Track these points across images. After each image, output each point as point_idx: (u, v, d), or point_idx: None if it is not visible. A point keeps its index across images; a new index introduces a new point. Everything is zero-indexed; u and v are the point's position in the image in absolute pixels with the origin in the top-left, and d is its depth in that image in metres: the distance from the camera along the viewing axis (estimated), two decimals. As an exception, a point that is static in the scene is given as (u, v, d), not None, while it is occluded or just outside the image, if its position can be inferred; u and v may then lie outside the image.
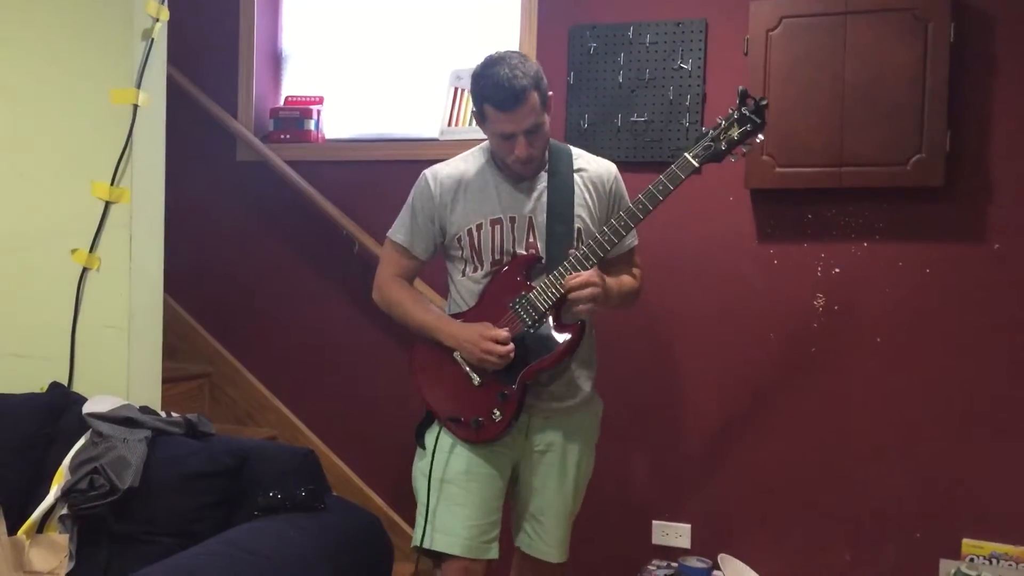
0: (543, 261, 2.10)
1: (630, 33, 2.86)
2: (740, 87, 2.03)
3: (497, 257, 2.12)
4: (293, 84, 3.51)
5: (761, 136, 2.03)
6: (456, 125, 3.14)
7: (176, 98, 2.79)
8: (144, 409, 2.31)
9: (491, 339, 2.03)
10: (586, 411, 2.23)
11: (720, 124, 2.02)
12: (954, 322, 2.60)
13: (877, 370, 2.67)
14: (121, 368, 2.45)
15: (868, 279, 2.68)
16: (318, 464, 2.22)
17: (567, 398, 2.17)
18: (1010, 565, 2.51)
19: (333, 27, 3.43)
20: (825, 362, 2.72)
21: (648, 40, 2.84)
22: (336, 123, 3.41)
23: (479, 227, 2.12)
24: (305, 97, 3.39)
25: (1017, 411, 2.55)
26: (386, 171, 3.14)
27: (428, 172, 2.20)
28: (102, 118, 2.47)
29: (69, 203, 2.49)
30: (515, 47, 2.99)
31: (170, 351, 2.93)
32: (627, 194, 2.23)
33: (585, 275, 2.01)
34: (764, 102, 2.01)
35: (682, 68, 2.81)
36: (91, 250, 2.47)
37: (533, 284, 2.08)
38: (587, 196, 2.16)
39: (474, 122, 2.15)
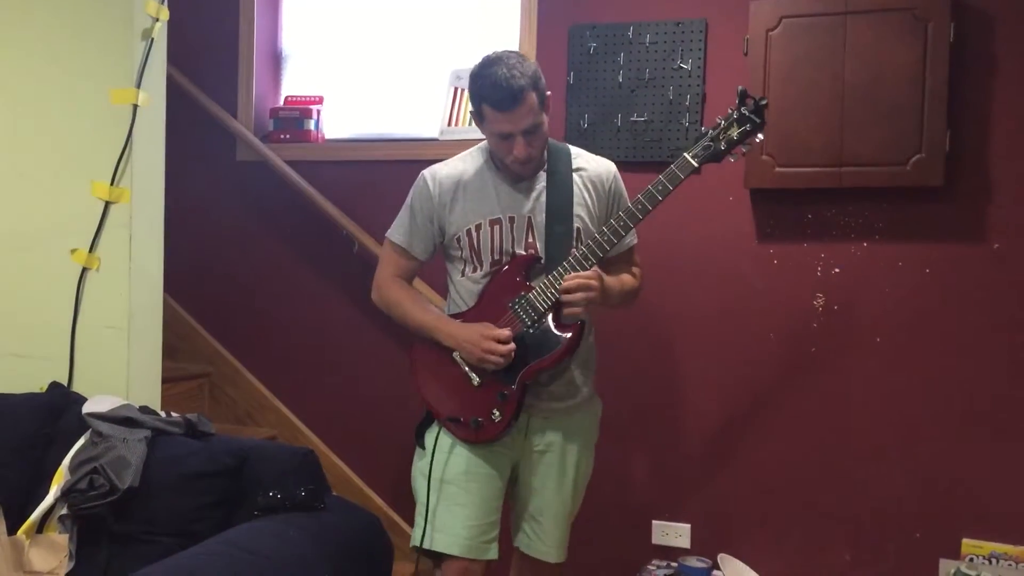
0: (542, 261, 2.10)
1: (630, 33, 2.86)
2: (740, 87, 2.03)
3: (496, 257, 2.12)
4: (293, 84, 3.51)
5: (761, 136, 2.03)
6: (456, 125, 3.14)
7: (176, 98, 2.79)
8: (144, 409, 2.31)
9: (492, 339, 2.03)
10: (585, 411, 2.23)
11: (719, 124, 2.02)
12: (954, 322, 2.60)
13: (877, 370, 2.67)
14: (121, 368, 2.45)
15: (868, 279, 2.68)
16: (318, 464, 2.22)
17: (567, 398, 2.17)
18: (1010, 565, 2.51)
19: (333, 27, 3.43)
20: (825, 362, 2.72)
21: (648, 40, 2.84)
22: (336, 123, 3.41)
23: (478, 227, 2.12)
24: (305, 97, 3.39)
25: (1017, 411, 2.55)
26: (386, 171, 3.14)
27: (427, 172, 2.20)
28: (102, 118, 2.47)
29: (69, 203, 2.49)
30: (515, 47, 2.98)
31: (170, 351, 2.93)
32: (626, 193, 2.23)
33: (580, 277, 2.00)
34: (764, 102, 2.01)
35: (682, 68, 2.81)
36: (91, 250, 2.47)
37: (532, 284, 2.08)
38: (586, 196, 2.16)
39: (474, 122, 2.15)
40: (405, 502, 2.21)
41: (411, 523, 2.19)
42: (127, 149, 2.45)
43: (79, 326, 2.48)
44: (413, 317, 2.17)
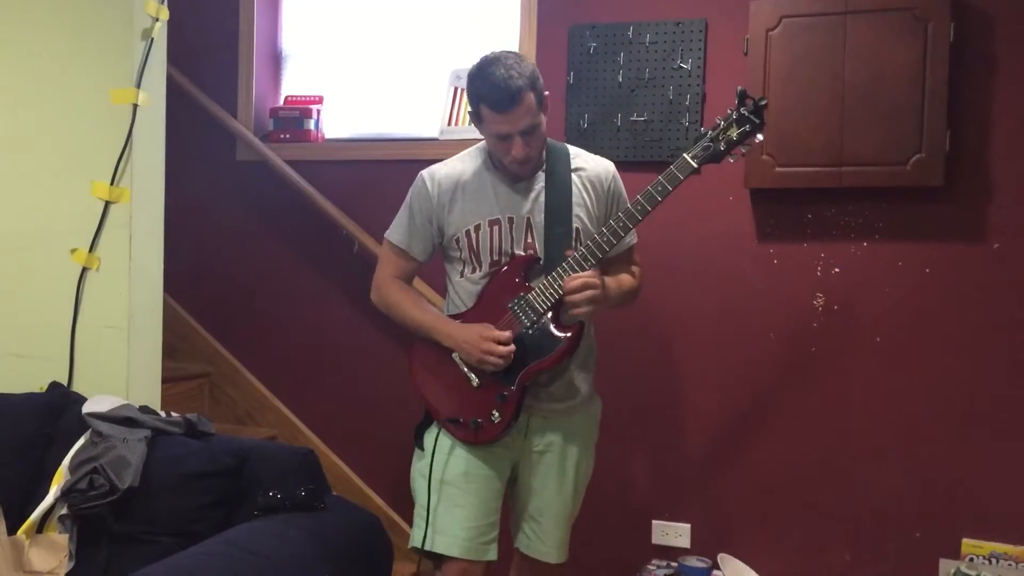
0: (541, 262, 2.10)
1: (630, 33, 2.86)
2: (739, 87, 2.02)
3: (495, 258, 2.12)
4: (293, 84, 3.51)
5: (760, 136, 2.02)
6: (456, 125, 3.13)
7: (176, 98, 2.79)
8: (144, 409, 2.31)
9: (492, 340, 2.03)
10: (585, 412, 2.23)
11: (719, 125, 2.01)
12: (954, 322, 2.60)
13: (877, 370, 2.67)
14: (121, 368, 2.45)
15: (868, 279, 2.68)
16: (318, 464, 2.22)
17: (566, 399, 2.16)
18: (1010, 565, 2.51)
19: (333, 27, 3.43)
20: (825, 362, 2.72)
21: (648, 40, 2.84)
22: (336, 123, 3.41)
23: (477, 228, 2.12)
24: (305, 97, 3.39)
25: (1017, 411, 2.55)
26: (386, 171, 3.14)
27: (425, 173, 2.19)
28: (102, 118, 2.47)
29: (69, 203, 2.49)
30: (515, 47, 2.99)
31: (170, 351, 2.93)
32: (626, 193, 2.23)
33: (584, 277, 2.00)
34: (763, 102, 2.00)
35: (682, 68, 2.81)
36: (91, 250, 2.47)
37: (532, 285, 2.07)
38: (585, 196, 2.15)
39: (472, 122, 2.14)
40: (405, 502, 2.21)
41: (411, 523, 2.19)
42: (127, 149, 2.45)
43: (79, 326, 2.48)
44: (412, 318, 2.17)
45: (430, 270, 2.36)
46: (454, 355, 2.10)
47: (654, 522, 2.88)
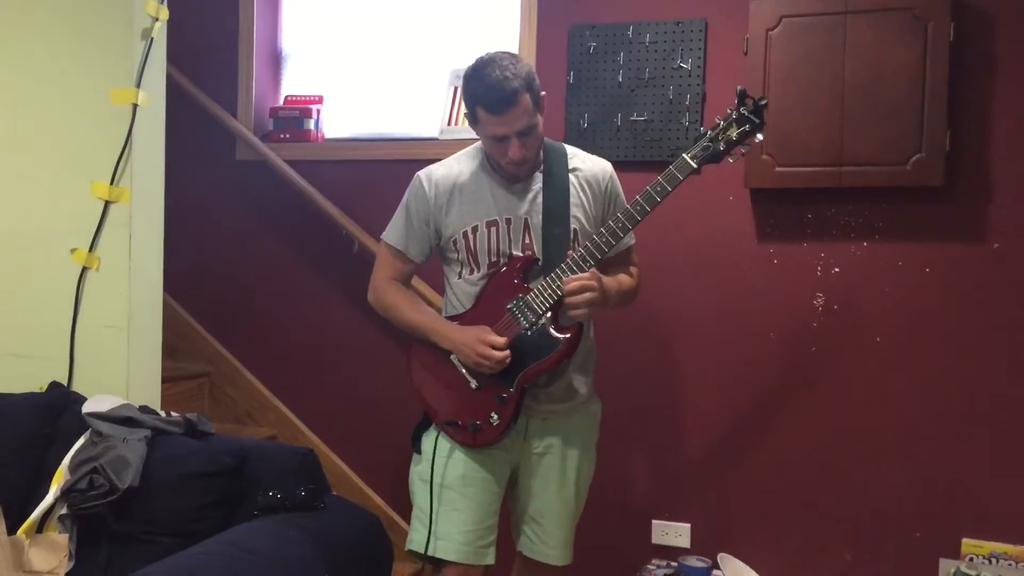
0: (540, 263, 2.09)
1: (630, 32, 2.86)
2: (739, 87, 2.02)
3: (494, 259, 2.11)
4: (293, 83, 3.51)
5: (760, 136, 2.02)
6: (456, 124, 3.13)
7: (176, 98, 2.79)
8: (144, 408, 2.31)
9: (488, 344, 2.02)
10: (584, 412, 2.22)
11: (719, 124, 2.01)
12: (954, 322, 2.60)
13: (877, 370, 2.67)
14: (121, 368, 2.45)
15: (868, 279, 2.68)
16: (318, 464, 2.22)
17: (565, 400, 2.16)
18: (1009, 564, 2.51)
19: (333, 26, 3.43)
20: (825, 362, 2.72)
21: (648, 39, 2.84)
22: (336, 122, 3.41)
23: (475, 229, 2.11)
24: (305, 96, 3.39)
25: (1017, 411, 2.55)
26: (386, 170, 3.13)
27: (422, 174, 2.19)
28: (102, 118, 2.47)
29: (69, 203, 2.49)
30: (515, 47, 2.99)
31: (170, 351, 2.93)
32: (623, 192, 2.22)
33: (581, 279, 1.99)
34: (763, 102, 2.00)
35: (682, 67, 2.81)
36: (91, 250, 2.47)
37: (530, 286, 2.07)
38: (582, 196, 2.15)
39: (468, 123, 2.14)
40: (405, 502, 2.21)
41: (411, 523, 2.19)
42: (127, 149, 2.45)
43: (79, 326, 2.48)
44: (410, 319, 2.17)
45: (430, 270, 2.36)
46: (452, 357, 2.09)
47: (654, 522, 2.88)
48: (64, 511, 2.06)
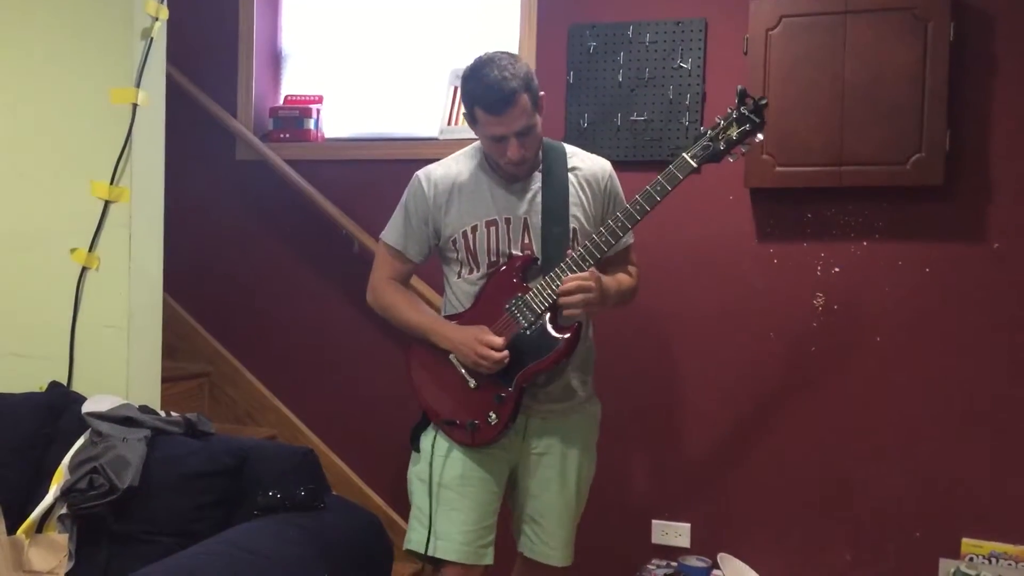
0: (539, 262, 2.09)
1: (630, 32, 2.86)
2: (739, 86, 2.02)
3: (493, 259, 2.11)
4: (293, 83, 3.51)
5: (760, 136, 2.02)
6: (455, 124, 3.13)
7: (176, 97, 2.79)
8: (143, 408, 2.30)
9: (486, 344, 2.02)
10: (584, 412, 2.22)
11: (719, 124, 2.01)
12: (954, 322, 2.60)
13: (877, 370, 2.67)
14: (120, 367, 2.45)
15: (868, 278, 2.68)
16: (318, 463, 2.22)
17: (565, 399, 2.16)
18: (1009, 564, 2.51)
19: (332, 26, 3.43)
20: (825, 361, 2.72)
21: (648, 39, 2.84)
22: (336, 122, 3.40)
23: (474, 229, 2.11)
24: (305, 96, 3.39)
25: (1017, 411, 2.55)
26: (386, 170, 3.13)
27: (421, 173, 2.18)
28: (102, 118, 2.47)
29: (69, 203, 2.49)
30: (515, 46, 2.99)
31: (170, 350, 2.93)
32: (623, 191, 2.22)
33: (578, 279, 1.99)
34: (763, 101, 2.00)
35: (682, 67, 2.81)
36: (90, 249, 2.47)
37: (529, 285, 2.06)
38: (582, 195, 2.15)
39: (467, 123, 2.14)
40: (405, 502, 2.21)
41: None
42: (127, 149, 2.45)
43: (79, 325, 2.48)
44: (408, 319, 2.17)
45: (430, 269, 2.36)
46: (451, 356, 2.09)
47: (654, 522, 2.88)
48: (64, 511, 2.06)
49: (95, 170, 2.46)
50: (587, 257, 2.01)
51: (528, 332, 2.05)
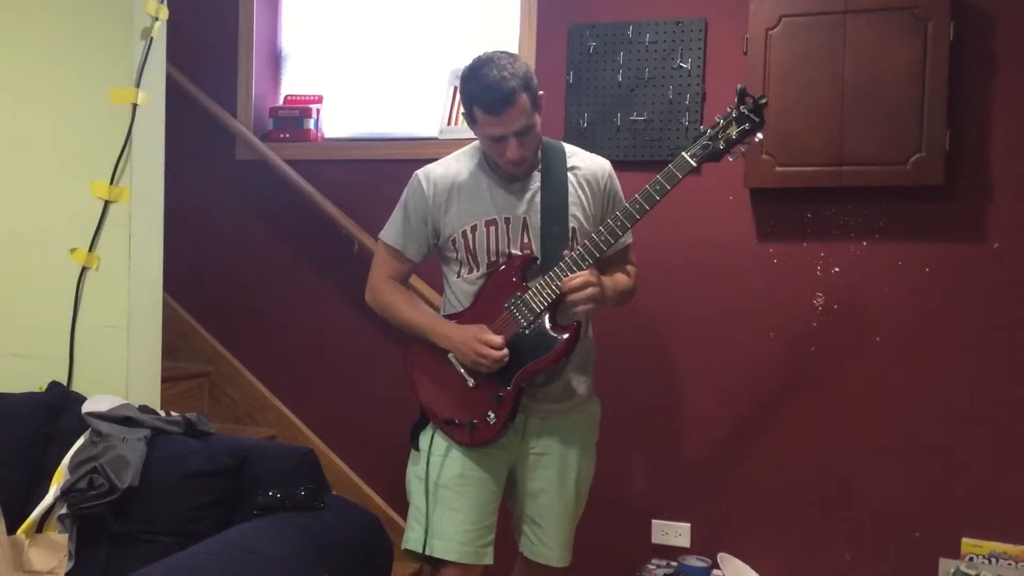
0: (538, 262, 2.09)
1: (630, 32, 2.86)
2: (739, 85, 2.01)
3: (493, 259, 2.11)
4: (292, 83, 3.51)
5: (760, 135, 2.02)
6: (455, 124, 3.13)
7: (175, 97, 2.79)
8: (143, 408, 2.30)
9: (485, 343, 2.02)
10: (583, 412, 2.22)
11: (718, 123, 2.00)
12: (954, 321, 2.60)
13: (877, 370, 2.67)
14: (120, 367, 2.45)
15: (868, 278, 2.68)
16: (318, 463, 2.22)
17: (564, 399, 2.15)
18: (1009, 564, 2.51)
19: (332, 26, 3.43)
20: (825, 361, 2.72)
21: (648, 39, 2.84)
22: (335, 122, 3.41)
23: (473, 228, 2.11)
24: (304, 96, 3.39)
25: (1017, 411, 2.55)
26: (385, 170, 3.13)
27: (420, 173, 2.18)
28: (102, 117, 2.47)
29: (69, 202, 2.49)
30: (515, 46, 2.99)
31: (169, 350, 2.93)
32: (622, 191, 2.22)
33: (583, 276, 1.99)
34: (763, 100, 2.00)
35: (681, 67, 2.81)
36: (90, 249, 2.47)
37: (528, 285, 2.06)
38: (581, 195, 2.14)
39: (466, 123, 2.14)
40: (404, 501, 2.21)
41: (410, 523, 2.18)
42: (127, 148, 2.45)
43: (79, 325, 2.48)
44: (407, 319, 2.16)
45: (429, 269, 2.36)
46: (450, 356, 2.09)
47: (654, 522, 2.88)
48: (64, 511, 2.06)
49: (95, 170, 2.46)
50: (586, 256, 2.01)
51: (527, 332, 2.05)
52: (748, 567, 2.74)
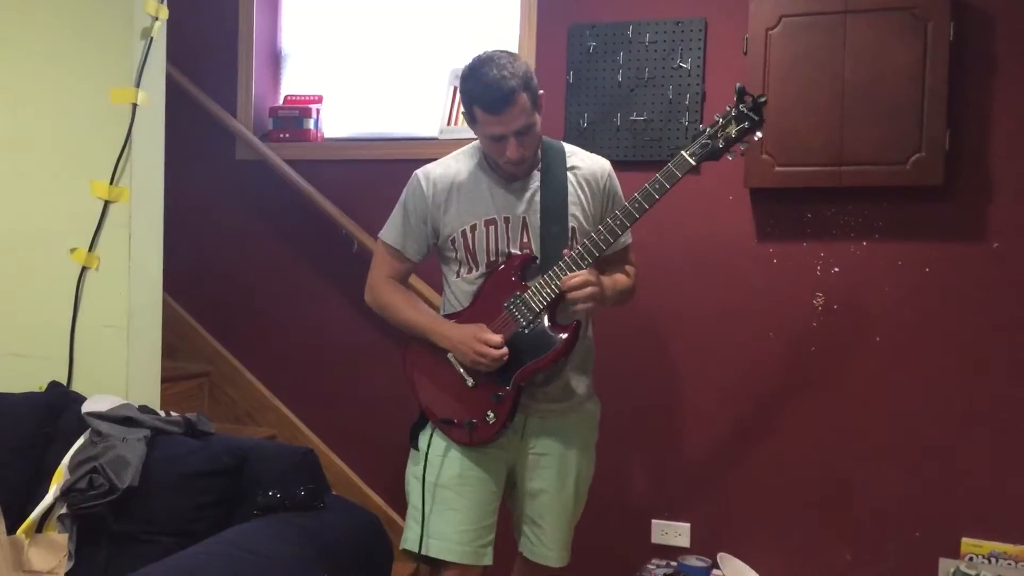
0: (538, 261, 2.09)
1: (629, 32, 2.86)
2: (738, 84, 2.01)
3: (492, 258, 2.11)
4: (292, 83, 3.51)
5: (760, 133, 2.02)
6: (455, 124, 3.13)
7: (175, 97, 2.79)
8: (143, 408, 2.30)
9: (485, 342, 2.01)
10: (582, 412, 2.22)
11: (718, 122, 2.00)
12: (954, 321, 2.60)
13: (877, 370, 2.67)
14: (120, 367, 2.45)
15: (868, 278, 2.68)
16: (317, 463, 2.22)
17: (563, 399, 2.15)
18: (1009, 564, 2.51)
19: (332, 26, 3.43)
20: (825, 361, 2.72)
21: (647, 39, 2.84)
22: (335, 122, 3.41)
23: (473, 228, 2.11)
24: (304, 96, 3.39)
25: (1017, 411, 2.55)
26: (385, 170, 3.13)
27: (420, 172, 2.18)
28: (101, 117, 2.47)
29: (68, 202, 2.49)
30: (514, 46, 2.99)
31: (169, 350, 2.93)
32: (622, 191, 2.22)
33: (583, 275, 1.99)
34: (762, 99, 1.99)
35: (681, 67, 2.81)
36: (90, 249, 2.47)
37: (528, 284, 2.06)
38: (580, 194, 2.14)
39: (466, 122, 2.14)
40: (404, 501, 2.21)
41: (409, 523, 2.18)
42: (126, 148, 2.45)
43: (78, 325, 2.48)
44: (407, 318, 2.16)
45: (429, 268, 2.36)
46: (449, 355, 2.09)
47: (654, 521, 2.88)
48: (64, 511, 2.06)
49: (95, 170, 2.46)
50: (585, 255, 2.00)
51: (527, 331, 2.04)
52: (748, 567, 2.74)
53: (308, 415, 3.33)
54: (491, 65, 1.99)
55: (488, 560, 2.12)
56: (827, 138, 2.58)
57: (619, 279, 2.20)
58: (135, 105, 2.45)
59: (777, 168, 2.64)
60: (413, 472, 2.15)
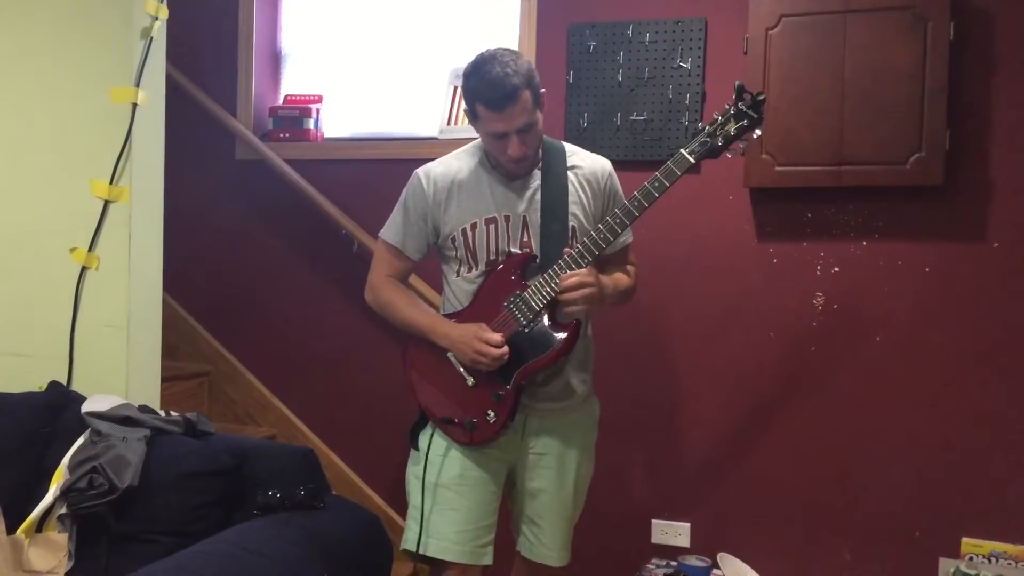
0: (538, 260, 2.09)
1: (629, 31, 2.86)
2: (737, 82, 2.01)
3: (492, 257, 2.11)
4: (292, 83, 3.51)
5: (759, 131, 2.02)
6: (455, 124, 3.13)
7: (175, 97, 2.79)
8: (143, 408, 2.30)
9: (485, 341, 2.01)
10: (582, 412, 2.21)
11: (717, 120, 2.00)
12: (954, 321, 2.60)
13: (876, 369, 2.66)
14: (120, 367, 2.45)
15: (868, 278, 2.68)
16: (317, 463, 2.22)
17: (563, 398, 2.15)
18: (1009, 564, 2.50)
19: (332, 26, 3.43)
20: (825, 361, 2.72)
21: (647, 39, 2.84)
22: (335, 122, 3.41)
23: (473, 227, 2.11)
24: (304, 96, 3.39)
25: (1017, 411, 2.55)
26: (385, 170, 3.13)
27: (420, 171, 2.18)
28: (101, 117, 2.47)
29: (68, 202, 2.49)
30: (514, 45, 2.98)
31: (169, 350, 2.93)
32: (622, 191, 2.22)
33: (579, 275, 1.99)
34: (761, 97, 1.99)
35: (681, 67, 2.81)
36: (90, 249, 2.47)
37: (528, 283, 2.06)
38: (581, 194, 2.14)
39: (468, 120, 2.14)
40: (404, 501, 2.21)
41: (409, 523, 2.18)
42: (126, 148, 2.45)
43: (78, 325, 2.48)
44: (407, 318, 2.16)
45: (429, 267, 2.36)
46: (449, 355, 2.09)
47: (654, 521, 2.88)
48: (64, 510, 2.06)
49: (95, 170, 2.46)
50: (585, 254, 2.00)
51: (527, 330, 2.04)
52: (748, 567, 2.74)
53: (308, 415, 3.33)
54: (494, 62, 1.99)
55: (488, 560, 2.11)
56: (827, 138, 2.58)
57: (620, 278, 2.20)
58: (135, 105, 2.45)
59: (777, 168, 2.64)
60: (413, 472, 2.15)
